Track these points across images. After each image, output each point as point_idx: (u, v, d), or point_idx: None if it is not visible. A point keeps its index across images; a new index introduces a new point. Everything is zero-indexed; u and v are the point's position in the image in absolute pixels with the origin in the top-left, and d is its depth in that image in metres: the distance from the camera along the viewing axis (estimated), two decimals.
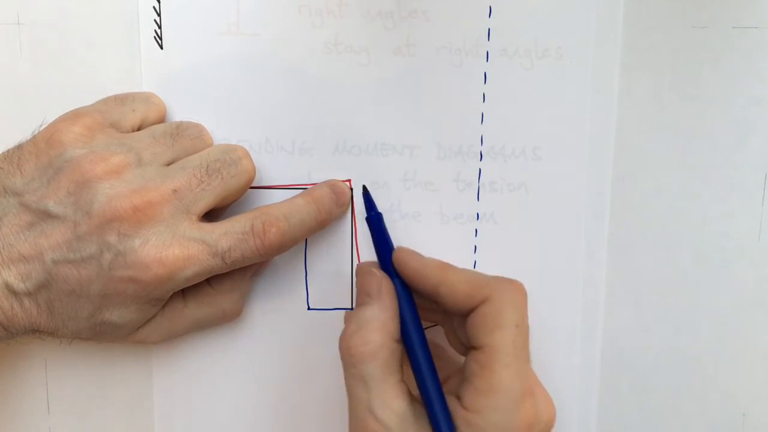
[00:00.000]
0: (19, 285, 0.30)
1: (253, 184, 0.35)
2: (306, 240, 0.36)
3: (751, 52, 0.35)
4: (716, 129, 0.36)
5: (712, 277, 0.37)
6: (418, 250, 0.34)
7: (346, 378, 0.31)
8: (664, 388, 0.38)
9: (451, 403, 0.30)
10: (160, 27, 0.35)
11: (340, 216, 0.36)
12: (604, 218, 0.37)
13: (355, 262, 0.37)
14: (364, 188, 0.35)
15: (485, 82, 0.35)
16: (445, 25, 0.35)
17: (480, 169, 0.36)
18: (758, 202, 0.36)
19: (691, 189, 0.36)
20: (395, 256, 0.33)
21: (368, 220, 0.35)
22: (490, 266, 0.37)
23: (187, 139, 0.34)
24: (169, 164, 0.33)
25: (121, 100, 0.34)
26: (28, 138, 0.32)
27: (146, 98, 0.35)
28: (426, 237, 0.36)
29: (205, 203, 0.32)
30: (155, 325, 0.34)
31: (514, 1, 0.35)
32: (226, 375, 0.37)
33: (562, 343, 0.37)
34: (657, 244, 0.37)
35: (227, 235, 0.32)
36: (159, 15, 0.34)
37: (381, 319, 0.31)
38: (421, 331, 0.32)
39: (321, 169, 0.36)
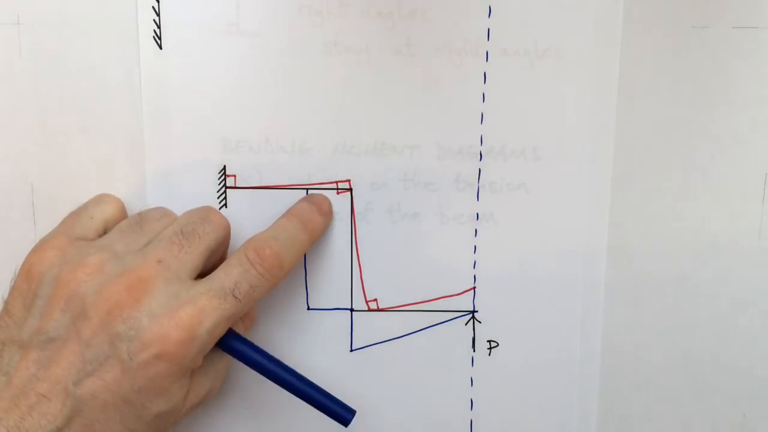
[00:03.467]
0: (47, 427, 0.28)
1: (254, 185, 0.35)
2: None
3: (751, 52, 0.35)
4: (716, 129, 0.36)
5: (712, 277, 0.37)
6: (417, 250, 0.34)
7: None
8: (664, 388, 0.38)
9: None
10: (159, 27, 0.34)
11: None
12: (604, 218, 0.37)
13: (355, 262, 0.37)
14: None
15: (485, 82, 0.35)
16: (444, 25, 0.35)
17: (480, 169, 0.36)
18: (758, 202, 0.36)
19: (691, 189, 0.36)
20: None
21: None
22: (490, 266, 0.37)
23: (154, 221, 0.33)
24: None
25: (76, 214, 0.34)
26: (10, 286, 0.32)
27: (98, 201, 0.35)
28: (426, 237, 0.36)
29: (192, 265, 0.32)
30: (197, 390, 0.33)
31: (514, 1, 0.34)
32: (226, 374, 0.37)
33: (562, 343, 0.37)
34: (657, 244, 0.37)
35: (228, 275, 0.31)
36: (158, 15, 0.34)
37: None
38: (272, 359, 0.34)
39: (321, 169, 0.36)
